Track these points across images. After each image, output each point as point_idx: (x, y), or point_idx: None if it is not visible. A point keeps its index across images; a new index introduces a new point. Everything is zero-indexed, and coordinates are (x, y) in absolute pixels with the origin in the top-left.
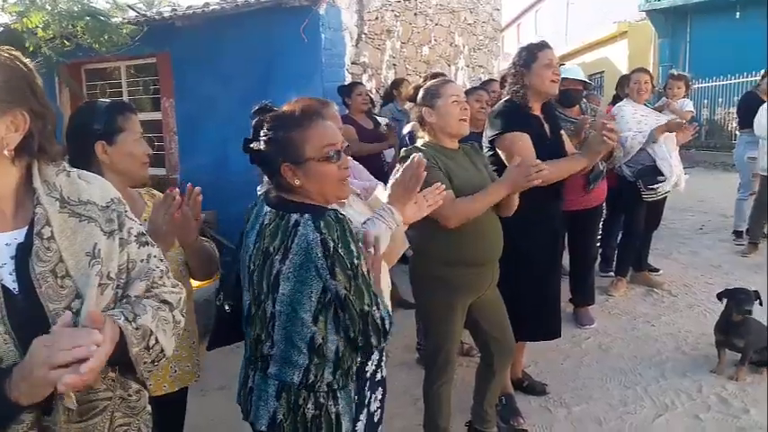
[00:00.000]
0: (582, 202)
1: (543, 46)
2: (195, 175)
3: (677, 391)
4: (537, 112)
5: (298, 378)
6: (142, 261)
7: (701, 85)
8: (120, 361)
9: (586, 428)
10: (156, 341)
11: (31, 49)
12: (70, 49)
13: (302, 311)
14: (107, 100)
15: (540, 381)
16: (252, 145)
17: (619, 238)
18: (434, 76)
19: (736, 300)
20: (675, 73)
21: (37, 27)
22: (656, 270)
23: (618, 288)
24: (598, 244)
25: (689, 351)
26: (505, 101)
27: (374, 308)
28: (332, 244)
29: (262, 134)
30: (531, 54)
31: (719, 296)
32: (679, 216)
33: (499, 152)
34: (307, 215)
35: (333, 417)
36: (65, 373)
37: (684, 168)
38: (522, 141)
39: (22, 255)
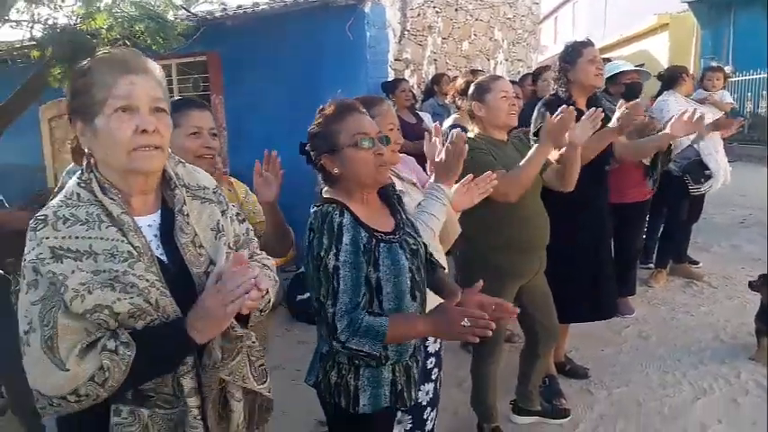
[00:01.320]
0: (632, 196)
1: (587, 43)
2: (243, 169)
3: (715, 376)
4: (581, 106)
5: (325, 349)
6: (244, 234)
7: (744, 78)
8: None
9: (626, 409)
10: (267, 291)
11: (100, 51)
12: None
13: (312, 290)
14: (179, 97)
15: (582, 365)
16: (306, 147)
17: (660, 230)
18: (472, 72)
19: (755, 283)
20: (714, 65)
21: (102, 28)
22: (696, 262)
23: (658, 279)
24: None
25: (727, 340)
26: (550, 95)
27: (328, 302)
28: (311, 234)
29: (308, 134)
30: (576, 50)
31: (751, 286)
32: (720, 210)
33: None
34: (314, 208)
35: (351, 389)
36: (238, 307)
37: (728, 162)
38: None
39: (164, 231)
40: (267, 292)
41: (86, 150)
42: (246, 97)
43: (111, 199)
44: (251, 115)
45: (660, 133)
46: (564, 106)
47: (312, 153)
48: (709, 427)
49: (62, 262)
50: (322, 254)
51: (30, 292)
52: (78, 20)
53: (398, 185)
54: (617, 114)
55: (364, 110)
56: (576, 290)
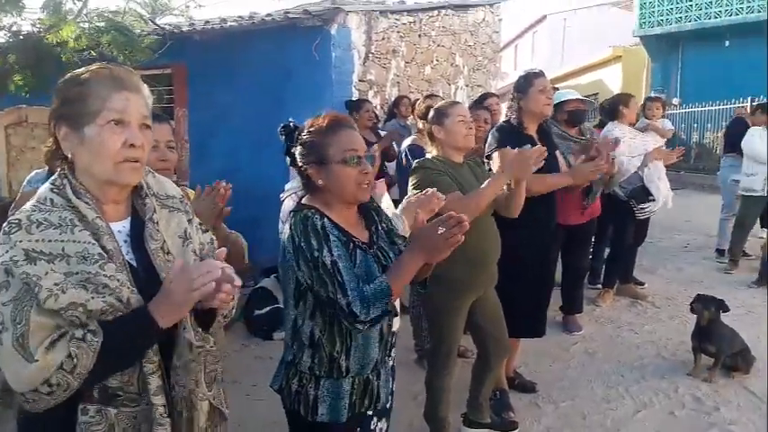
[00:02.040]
0: (577, 218)
1: (539, 74)
2: (204, 182)
3: (656, 390)
4: (532, 132)
5: (290, 357)
6: (208, 243)
7: (690, 110)
8: (205, 317)
9: (572, 422)
10: (233, 299)
11: (65, 59)
12: (95, 60)
13: (288, 296)
14: None
15: (530, 380)
16: (292, 150)
17: (607, 252)
18: (429, 97)
19: (694, 305)
20: (653, 95)
21: (68, 39)
22: (642, 283)
23: (605, 299)
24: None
25: (668, 356)
26: (503, 121)
27: (338, 295)
28: (296, 239)
29: (298, 140)
30: (528, 81)
31: (692, 309)
32: (666, 235)
33: (492, 167)
34: (292, 214)
35: (311, 399)
36: (202, 294)
37: (673, 190)
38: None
39: (134, 237)
40: (233, 298)
41: (69, 155)
42: (211, 111)
43: (86, 203)
44: (215, 129)
45: (562, 173)
46: (526, 146)
47: (299, 160)
48: None
49: (36, 264)
50: (315, 254)
51: (1, 293)
52: (44, 29)
53: None
54: (576, 165)
55: (355, 126)
56: (523, 305)
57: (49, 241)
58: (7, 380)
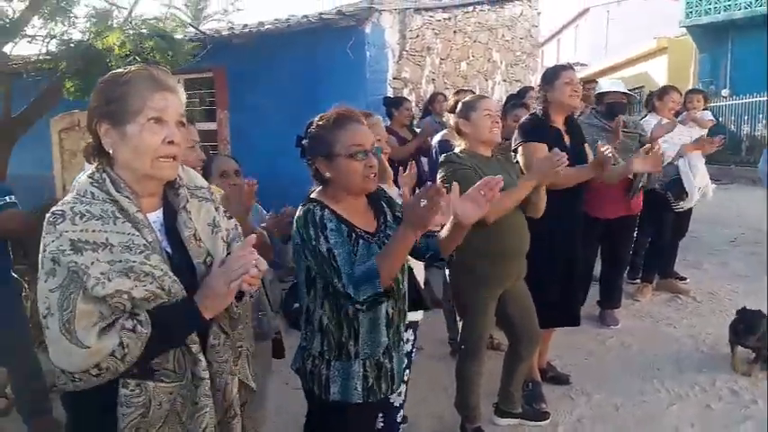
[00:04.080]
0: (618, 211)
1: (566, 67)
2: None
3: (692, 384)
4: (558, 124)
5: (303, 343)
6: (233, 229)
7: (741, 101)
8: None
9: (604, 413)
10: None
11: (112, 65)
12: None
13: (301, 284)
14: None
15: (564, 372)
16: (303, 142)
17: (646, 246)
18: (459, 92)
19: (748, 325)
20: (694, 88)
21: (114, 45)
22: (683, 278)
23: (644, 293)
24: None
25: (707, 351)
26: (530, 114)
27: (335, 279)
28: (301, 232)
29: (307, 132)
30: (555, 73)
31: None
32: (713, 229)
33: (519, 159)
34: (299, 208)
35: (323, 379)
36: (239, 284)
37: (723, 184)
38: (538, 151)
39: (167, 226)
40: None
41: (110, 151)
42: (251, 113)
43: (127, 197)
44: (254, 130)
45: (622, 165)
46: (555, 149)
47: (308, 153)
48: (682, 430)
49: (82, 254)
50: (314, 243)
51: (48, 280)
52: (92, 36)
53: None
54: (598, 154)
55: (363, 120)
56: (553, 295)
57: (93, 231)
58: (55, 361)
